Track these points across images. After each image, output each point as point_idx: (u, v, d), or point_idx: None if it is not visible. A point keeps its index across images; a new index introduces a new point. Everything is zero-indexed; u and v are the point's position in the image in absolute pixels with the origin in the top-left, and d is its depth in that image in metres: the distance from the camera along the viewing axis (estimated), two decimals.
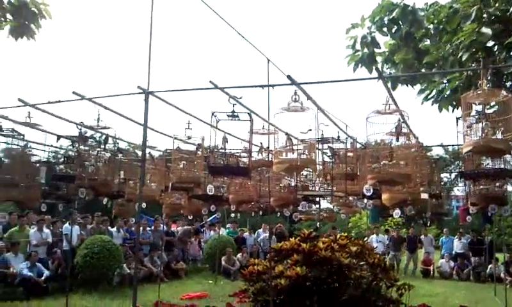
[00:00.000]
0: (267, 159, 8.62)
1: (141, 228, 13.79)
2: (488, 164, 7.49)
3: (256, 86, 6.30)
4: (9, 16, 6.38)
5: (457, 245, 17.10)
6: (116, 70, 69.41)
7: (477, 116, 5.80)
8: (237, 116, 6.92)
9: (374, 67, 7.50)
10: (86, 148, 8.45)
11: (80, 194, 7.42)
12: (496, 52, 6.50)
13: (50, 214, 13.66)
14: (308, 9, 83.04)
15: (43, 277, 10.37)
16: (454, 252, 17.02)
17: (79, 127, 7.95)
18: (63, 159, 9.14)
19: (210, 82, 6.10)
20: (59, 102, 6.90)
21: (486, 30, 6.04)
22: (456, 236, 17.48)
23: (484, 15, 6.34)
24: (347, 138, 9.22)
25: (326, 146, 7.45)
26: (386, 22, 7.52)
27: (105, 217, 13.49)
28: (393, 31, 7.55)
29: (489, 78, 5.83)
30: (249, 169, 7.46)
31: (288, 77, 5.91)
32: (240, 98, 6.70)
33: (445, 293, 12.13)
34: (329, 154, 9.63)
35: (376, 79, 6.19)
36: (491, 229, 15.73)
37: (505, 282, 13.09)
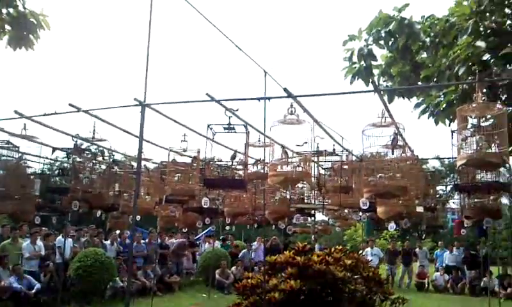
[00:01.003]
0: (262, 171, 8.59)
1: (135, 241, 13.70)
2: (482, 177, 7.50)
3: (252, 99, 6.29)
4: (7, 26, 6.39)
5: (449, 257, 17.13)
6: (112, 82, 69.20)
7: (472, 129, 5.81)
8: (233, 128, 6.91)
9: (370, 80, 7.51)
10: (81, 160, 8.41)
11: (74, 207, 7.36)
12: (492, 65, 6.54)
13: (44, 226, 13.55)
14: (306, 22, 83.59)
15: (33, 290, 10.25)
16: (444, 264, 17.03)
17: (75, 139, 7.91)
18: (58, 171, 9.10)
19: (207, 94, 6.09)
20: (55, 113, 6.87)
21: (481, 43, 6.09)
22: (447, 249, 17.54)
23: (481, 28, 6.39)
24: (342, 151, 9.22)
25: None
26: (383, 35, 7.55)
27: (100, 230, 13.39)
28: (390, 43, 7.57)
29: (484, 91, 5.85)
30: (245, 181, 7.44)
31: (285, 89, 5.91)
32: (237, 110, 6.70)
33: None
34: (325, 167, 9.64)
35: (373, 92, 6.20)
36: (486, 242, 15.74)
37: (499, 295, 13.08)
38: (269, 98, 6.40)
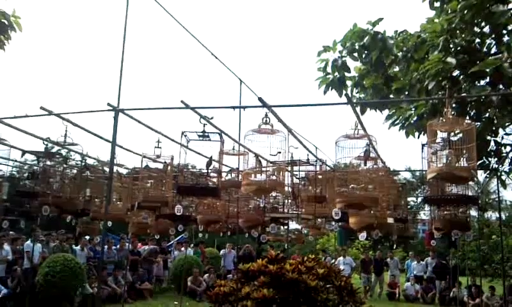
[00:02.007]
0: (236, 180, 8.60)
1: (106, 247, 13.53)
2: (451, 189, 7.66)
3: (227, 107, 6.31)
4: None
5: (416, 267, 17.39)
6: (86, 86, 68.10)
7: (441, 143, 5.94)
8: (208, 136, 6.90)
9: (344, 92, 7.63)
10: (52, 163, 8.27)
11: (44, 212, 7.23)
12: (462, 82, 6.71)
13: (12, 230, 13.26)
14: (281, 33, 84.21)
15: (0, 296, 10.02)
16: (412, 274, 17.28)
17: (45, 143, 7.78)
18: (27, 175, 8.90)
19: (182, 101, 6.08)
20: (26, 116, 6.76)
21: (451, 60, 6.24)
22: (415, 259, 17.81)
23: (451, 46, 6.56)
24: (316, 161, 9.30)
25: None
26: (357, 48, 7.69)
27: (70, 235, 13.17)
28: (364, 56, 7.71)
29: (454, 106, 6.00)
30: (219, 189, 7.43)
31: (260, 99, 5.95)
32: (212, 118, 6.69)
33: None
34: (299, 176, 9.69)
35: (346, 104, 6.29)
36: (455, 253, 16.01)
37: (468, 306, 13.31)
38: (244, 107, 6.43)
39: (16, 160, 8.86)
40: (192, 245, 17.79)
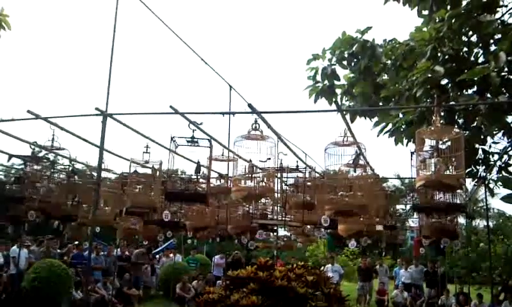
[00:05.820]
0: (226, 186, 8.57)
1: (95, 253, 13.41)
2: (440, 197, 7.69)
3: (217, 113, 6.32)
4: None
5: (404, 275, 17.41)
6: (74, 90, 67.41)
7: (430, 151, 5.97)
8: (197, 142, 6.88)
9: (333, 100, 7.65)
10: (39, 167, 8.19)
11: (30, 217, 7.15)
12: (450, 90, 6.76)
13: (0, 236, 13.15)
14: (271, 40, 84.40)
15: None
16: (400, 282, 17.27)
17: (32, 147, 7.71)
18: (13, 179, 8.81)
19: (171, 106, 6.07)
20: (12, 120, 6.71)
21: (439, 68, 6.28)
22: (403, 266, 17.82)
23: (439, 54, 6.61)
24: (305, 167, 9.30)
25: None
26: (346, 56, 7.72)
27: (56, 240, 13.05)
28: (353, 64, 7.75)
29: (442, 114, 6.03)
30: (207, 195, 7.40)
31: (249, 105, 5.95)
32: (201, 124, 6.68)
33: None
34: (288, 183, 9.69)
35: (335, 112, 6.32)
36: (444, 261, 16.06)
37: None
38: (233, 113, 6.45)
39: (2, 165, 8.77)
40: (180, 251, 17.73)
